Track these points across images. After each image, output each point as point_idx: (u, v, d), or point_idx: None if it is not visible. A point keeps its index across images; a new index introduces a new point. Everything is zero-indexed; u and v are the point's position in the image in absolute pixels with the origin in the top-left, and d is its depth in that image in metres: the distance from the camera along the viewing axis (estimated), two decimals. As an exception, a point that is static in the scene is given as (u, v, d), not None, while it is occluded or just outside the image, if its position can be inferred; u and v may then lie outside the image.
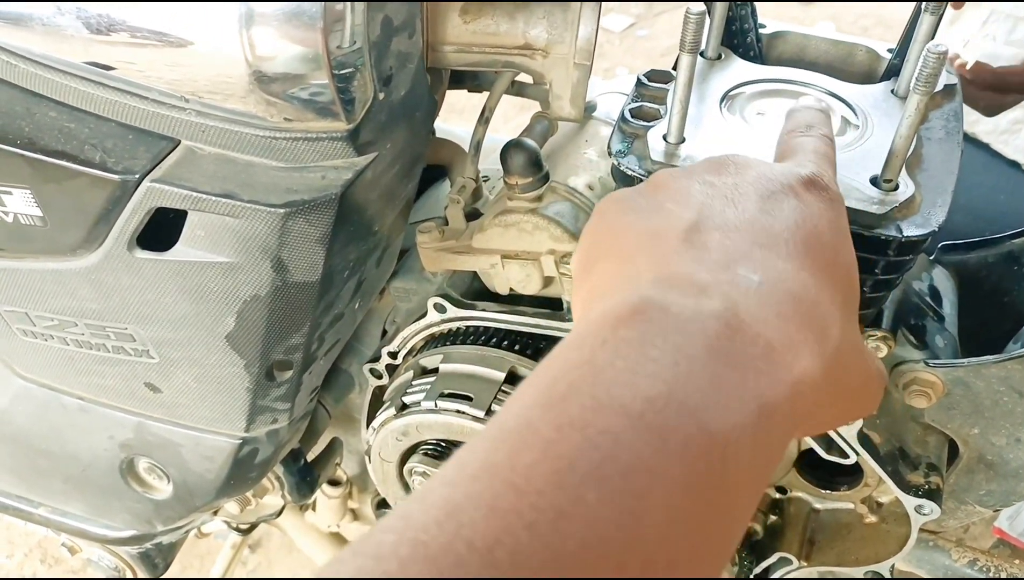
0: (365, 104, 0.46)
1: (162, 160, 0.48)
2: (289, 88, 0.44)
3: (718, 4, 0.57)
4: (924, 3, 0.51)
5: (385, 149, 0.50)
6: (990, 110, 1.04)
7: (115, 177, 0.49)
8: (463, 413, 0.60)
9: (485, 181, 0.69)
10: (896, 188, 0.47)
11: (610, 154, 0.52)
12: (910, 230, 0.46)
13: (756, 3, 0.61)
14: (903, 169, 0.47)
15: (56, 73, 0.49)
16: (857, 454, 0.58)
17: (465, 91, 0.66)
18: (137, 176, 0.48)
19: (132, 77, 0.47)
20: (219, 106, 0.46)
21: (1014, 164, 1.02)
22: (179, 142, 0.49)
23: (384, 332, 0.78)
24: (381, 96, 0.47)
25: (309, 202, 0.48)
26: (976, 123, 1.08)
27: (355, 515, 0.98)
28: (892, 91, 0.55)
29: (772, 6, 2.77)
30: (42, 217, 0.53)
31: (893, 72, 0.58)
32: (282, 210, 0.48)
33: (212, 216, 0.49)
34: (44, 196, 0.52)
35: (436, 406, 0.61)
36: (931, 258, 0.65)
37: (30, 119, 0.50)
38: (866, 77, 0.60)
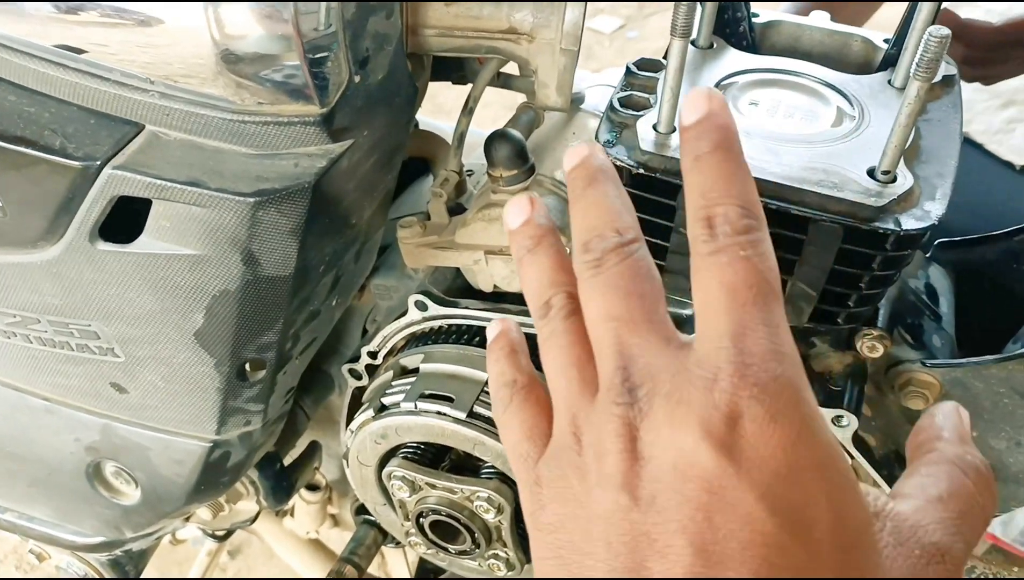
0: (340, 87, 0.44)
1: (125, 146, 0.46)
2: (258, 69, 0.42)
3: (710, -8, 0.55)
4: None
5: (362, 136, 0.48)
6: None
7: (75, 164, 0.46)
8: (444, 414, 0.57)
9: (469, 176, 0.67)
10: (894, 180, 0.45)
11: (598, 144, 0.49)
12: (909, 223, 0.44)
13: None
14: (901, 161, 0.45)
15: (15, 54, 0.47)
16: (852, 458, 0.56)
17: (452, 93, 0.64)
18: (98, 162, 0.46)
19: (94, 58, 0.45)
20: (185, 88, 0.44)
21: (1008, 164, 1.01)
22: (143, 127, 0.46)
23: (365, 331, 0.75)
24: (357, 79, 0.45)
25: (281, 191, 0.46)
26: (969, 123, 1.07)
27: (335, 521, 0.95)
28: (889, 81, 0.53)
29: None
30: (1, 207, 0.50)
31: (890, 62, 0.56)
32: (252, 199, 0.45)
33: (178, 206, 0.46)
34: (2, 184, 0.49)
35: (416, 407, 0.58)
36: (927, 256, 0.63)
37: (-13, 103, 0.47)
38: (862, 67, 0.58)
